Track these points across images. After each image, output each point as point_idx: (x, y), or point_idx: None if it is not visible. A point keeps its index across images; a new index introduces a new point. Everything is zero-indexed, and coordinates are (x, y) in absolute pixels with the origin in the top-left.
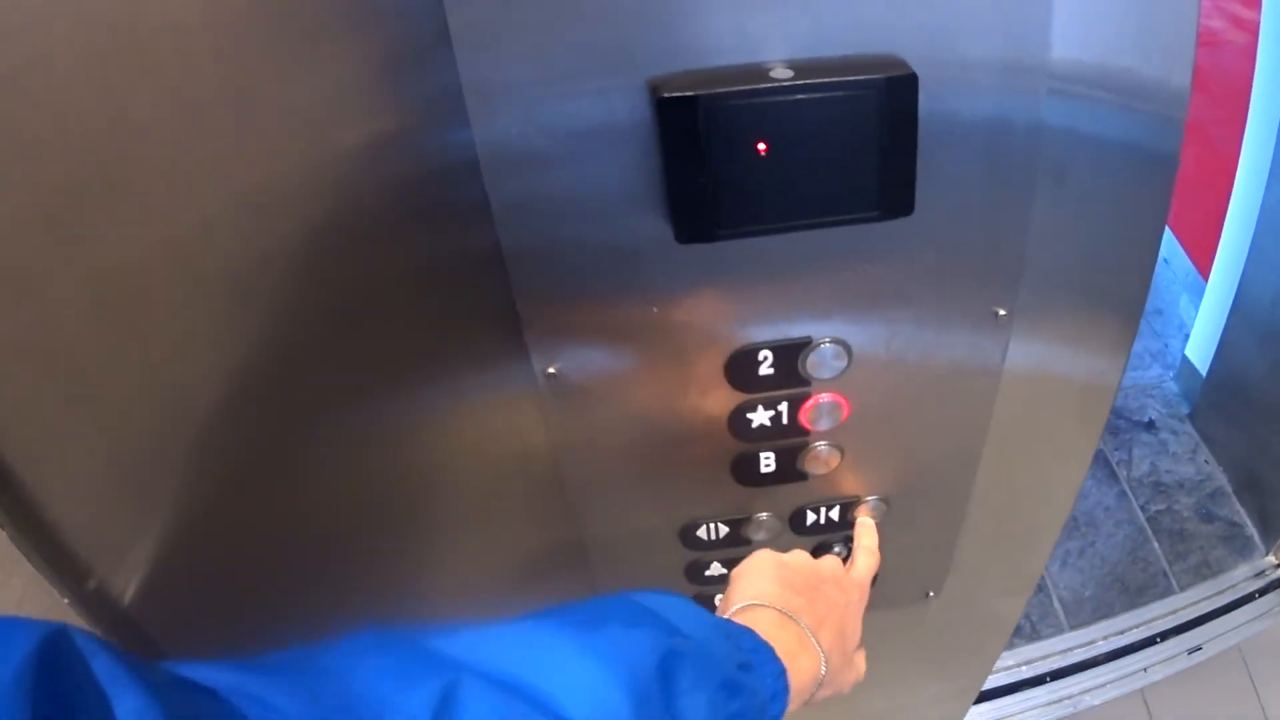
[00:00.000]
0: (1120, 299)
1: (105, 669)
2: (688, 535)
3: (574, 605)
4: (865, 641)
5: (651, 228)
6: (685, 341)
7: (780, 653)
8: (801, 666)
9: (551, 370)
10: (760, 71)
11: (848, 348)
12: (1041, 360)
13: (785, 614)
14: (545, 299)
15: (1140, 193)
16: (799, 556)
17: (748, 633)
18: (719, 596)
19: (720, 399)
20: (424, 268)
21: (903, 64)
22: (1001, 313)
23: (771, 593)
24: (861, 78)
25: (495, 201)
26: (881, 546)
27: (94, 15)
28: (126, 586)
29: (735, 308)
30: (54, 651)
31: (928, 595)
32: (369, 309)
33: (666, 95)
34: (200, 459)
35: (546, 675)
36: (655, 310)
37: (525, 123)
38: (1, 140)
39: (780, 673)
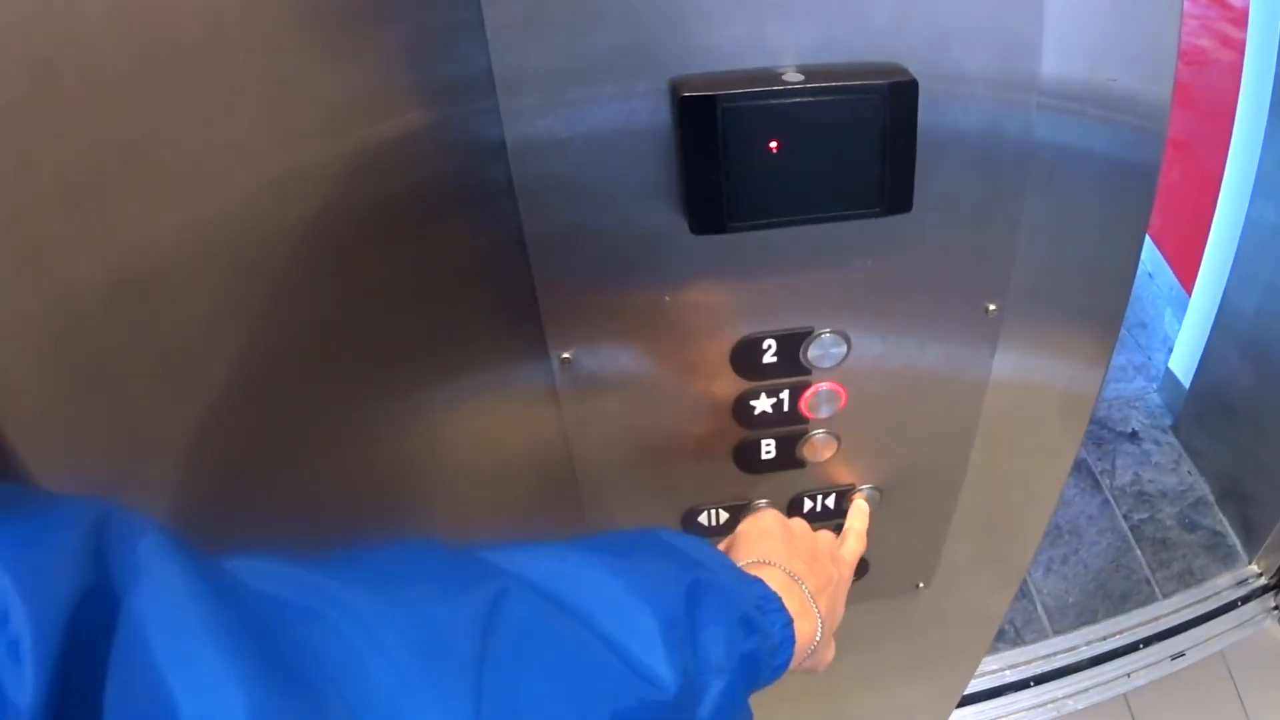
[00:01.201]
0: (1104, 300)
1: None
2: (689, 521)
3: (600, 536)
4: (858, 633)
5: (667, 220)
6: (694, 330)
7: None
8: (802, 628)
9: (566, 356)
10: (773, 75)
11: (847, 338)
12: (1029, 356)
13: (791, 576)
14: (564, 287)
15: (1123, 198)
16: (801, 524)
17: (759, 581)
18: (720, 546)
19: (725, 386)
20: (448, 257)
21: (904, 71)
22: (992, 308)
23: (779, 553)
24: (866, 82)
25: (520, 192)
26: (874, 535)
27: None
28: None
29: (742, 298)
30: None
31: (918, 586)
32: (391, 296)
33: (686, 95)
34: (213, 445)
35: (581, 592)
36: (667, 299)
37: (552, 117)
38: (29, 120)
39: (788, 623)
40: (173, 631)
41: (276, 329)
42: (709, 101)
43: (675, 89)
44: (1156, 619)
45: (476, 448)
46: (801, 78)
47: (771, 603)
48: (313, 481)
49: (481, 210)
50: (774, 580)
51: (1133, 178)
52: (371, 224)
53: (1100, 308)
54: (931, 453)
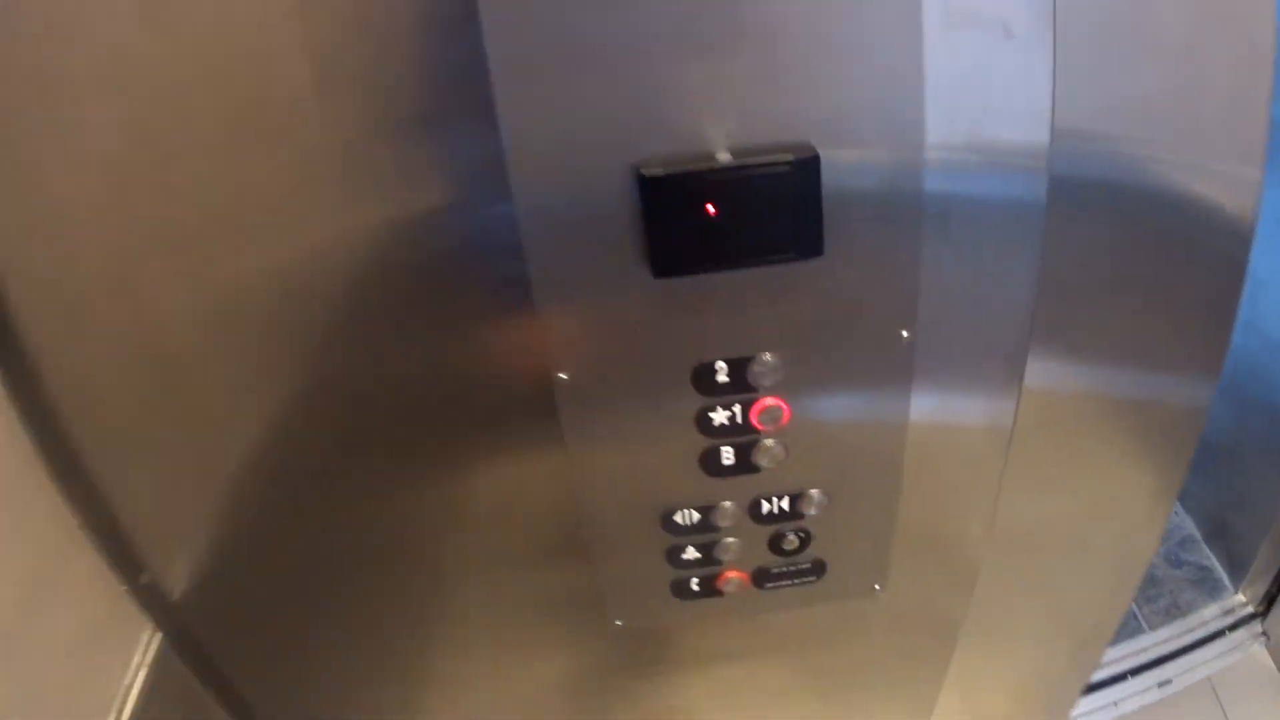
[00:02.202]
0: (1006, 330)
1: None
2: (667, 521)
3: None
4: (823, 642)
5: (636, 267)
6: (661, 355)
7: None
8: None
9: (563, 376)
10: (710, 155)
11: (783, 361)
12: (943, 378)
13: None
14: (560, 317)
15: (1010, 237)
16: None
17: None
18: None
19: (689, 402)
20: (467, 304)
21: (810, 147)
22: (905, 335)
23: None
24: (779, 158)
25: (527, 246)
26: (829, 537)
27: (227, 85)
28: (177, 585)
29: (697, 329)
30: None
31: (875, 588)
32: (419, 335)
33: (646, 174)
34: (262, 474)
35: None
36: (639, 330)
37: (550, 189)
38: (140, 179)
39: None
40: None
41: (325, 364)
42: (661, 179)
43: (638, 169)
44: (1144, 650)
45: (493, 459)
46: (729, 157)
47: None
48: (345, 513)
49: (496, 264)
50: None
51: (1017, 215)
52: (405, 274)
53: (1003, 338)
54: (868, 461)
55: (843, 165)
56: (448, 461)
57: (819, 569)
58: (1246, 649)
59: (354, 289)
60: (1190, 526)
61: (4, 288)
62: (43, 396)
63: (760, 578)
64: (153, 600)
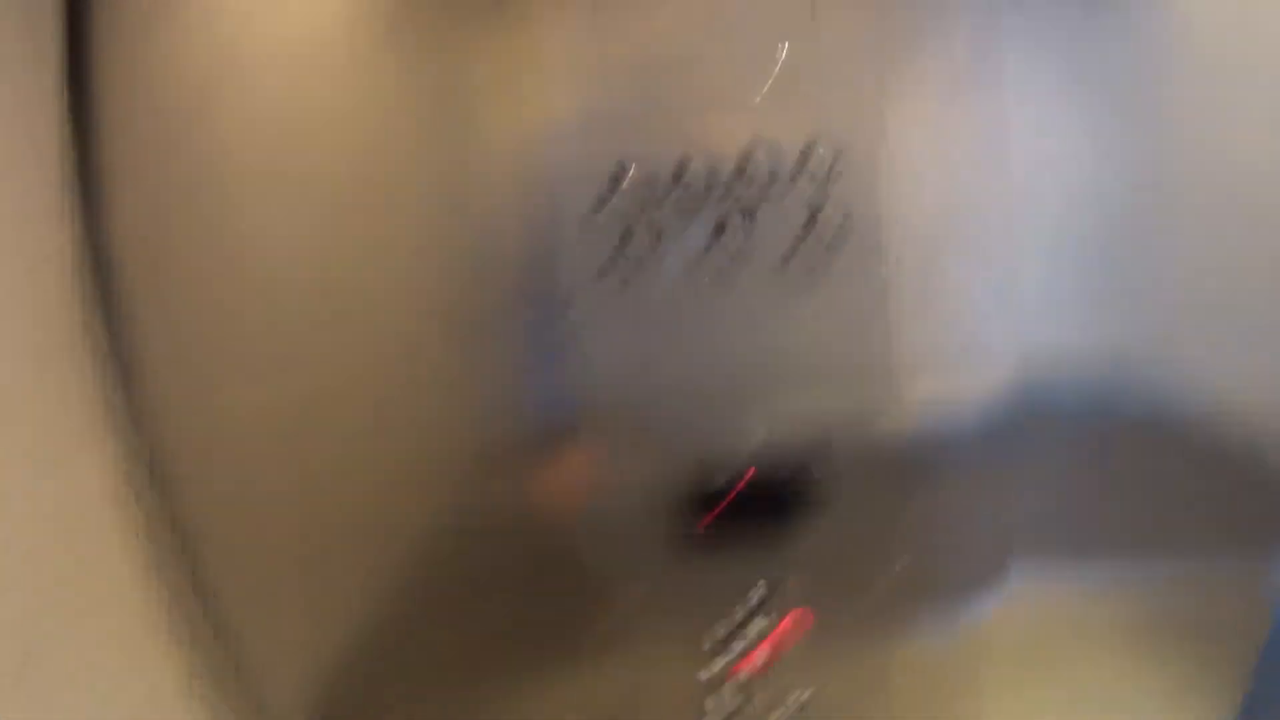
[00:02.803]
0: (981, 559)
1: None
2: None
3: None
4: None
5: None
6: (702, 592)
7: None
8: None
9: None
10: (740, 473)
11: (799, 593)
12: (932, 599)
13: None
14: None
15: (986, 467)
16: None
17: None
18: None
19: (725, 622)
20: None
21: (810, 470)
22: (901, 563)
23: None
24: (786, 485)
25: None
26: None
27: (377, 344)
28: None
29: (726, 579)
30: None
31: None
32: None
33: (703, 494)
34: (372, 643)
35: None
36: (692, 573)
37: (622, 467)
38: (295, 396)
39: None
40: None
41: (435, 561)
42: (712, 494)
43: (698, 486)
44: None
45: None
46: (752, 473)
47: None
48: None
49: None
50: None
51: (987, 448)
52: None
53: (975, 565)
54: (863, 661)
55: (840, 443)
56: (537, 659)
57: None
58: None
59: (449, 511)
60: None
61: (180, 465)
62: (199, 563)
63: None
64: None
